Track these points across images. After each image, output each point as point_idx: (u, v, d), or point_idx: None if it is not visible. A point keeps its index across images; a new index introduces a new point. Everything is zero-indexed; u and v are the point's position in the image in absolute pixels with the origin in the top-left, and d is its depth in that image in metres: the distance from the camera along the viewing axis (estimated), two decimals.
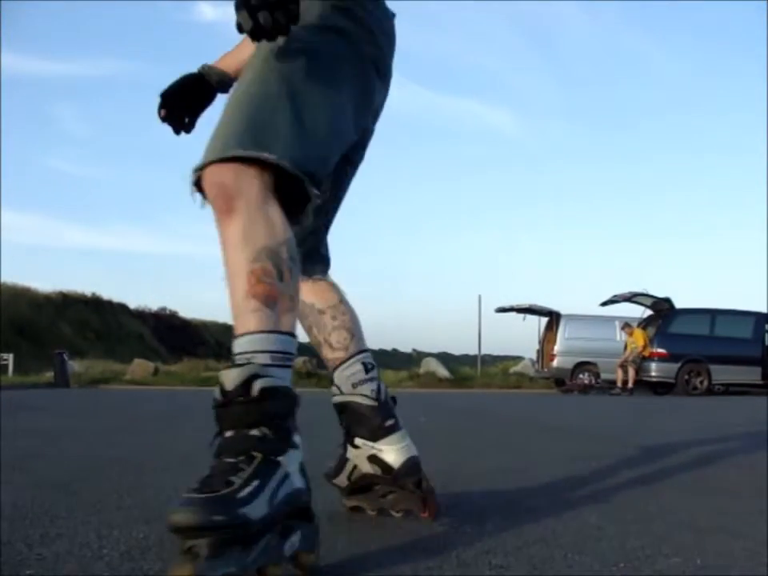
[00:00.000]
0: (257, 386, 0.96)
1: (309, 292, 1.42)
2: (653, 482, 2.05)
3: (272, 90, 1.12)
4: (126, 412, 6.34)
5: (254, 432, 0.95)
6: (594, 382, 13.92)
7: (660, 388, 12.80)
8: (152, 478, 2.06)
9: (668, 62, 59.07)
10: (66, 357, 15.00)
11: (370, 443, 1.39)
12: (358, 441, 1.40)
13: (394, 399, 1.46)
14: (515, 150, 66.70)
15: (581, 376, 14.06)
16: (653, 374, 12.63)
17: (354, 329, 1.43)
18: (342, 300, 1.45)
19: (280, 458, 0.96)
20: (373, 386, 1.40)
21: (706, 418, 5.92)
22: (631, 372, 12.58)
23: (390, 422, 1.39)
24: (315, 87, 1.14)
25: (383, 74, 1.31)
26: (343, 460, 1.44)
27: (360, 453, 1.40)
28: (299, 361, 16.35)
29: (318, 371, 15.74)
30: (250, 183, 1.03)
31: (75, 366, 16.44)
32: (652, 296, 13.43)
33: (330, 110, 1.15)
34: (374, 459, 1.39)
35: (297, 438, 1.01)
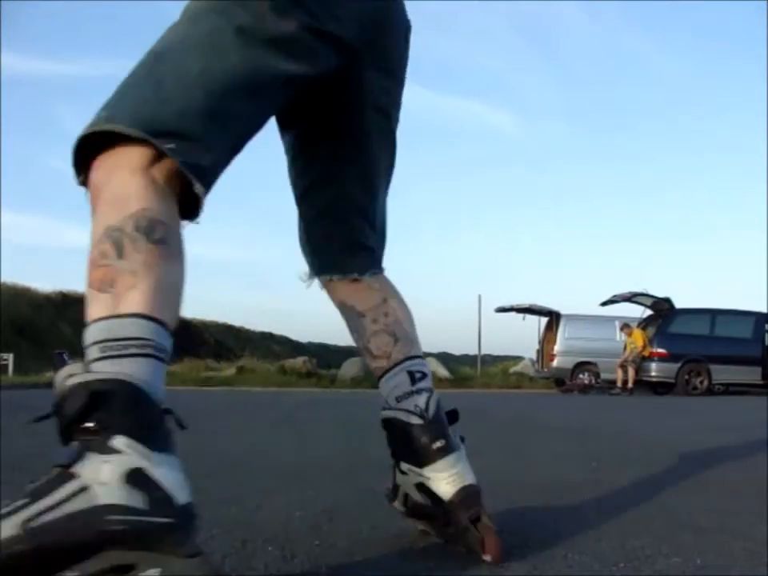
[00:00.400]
0: (66, 386, 0.83)
1: (347, 293, 1.27)
2: (653, 482, 2.05)
3: (145, 56, 0.99)
4: None
5: (74, 442, 0.80)
6: (593, 382, 13.92)
7: (660, 388, 12.79)
8: None
9: (668, 62, 59.19)
10: (66, 357, 14.89)
11: (417, 469, 1.18)
12: (403, 465, 1.21)
13: (453, 414, 1.23)
14: (515, 150, 66.92)
15: (581, 376, 14.06)
16: (653, 373, 12.62)
17: (399, 332, 1.24)
18: (387, 299, 1.26)
19: (74, 469, 0.77)
20: (419, 400, 1.19)
21: (705, 418, 5.92)
22: (631, 372, 12.57)
23: (438, 444, 1.16)
24: (185, 38, 0.98)
25: (317, 30, 1.03)
26: (395, 485, 1.26)
27: (407, 480, 1.21)
28: (299, 361, 16.26)
29: (318, 371, 15.68)
30: (114, 167, 0.90)
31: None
32: (652, 296, 13.43)
33: (202, 57, 0.96)
34: (421, 488, 1.18)
35: (119, 441, 0.78)
